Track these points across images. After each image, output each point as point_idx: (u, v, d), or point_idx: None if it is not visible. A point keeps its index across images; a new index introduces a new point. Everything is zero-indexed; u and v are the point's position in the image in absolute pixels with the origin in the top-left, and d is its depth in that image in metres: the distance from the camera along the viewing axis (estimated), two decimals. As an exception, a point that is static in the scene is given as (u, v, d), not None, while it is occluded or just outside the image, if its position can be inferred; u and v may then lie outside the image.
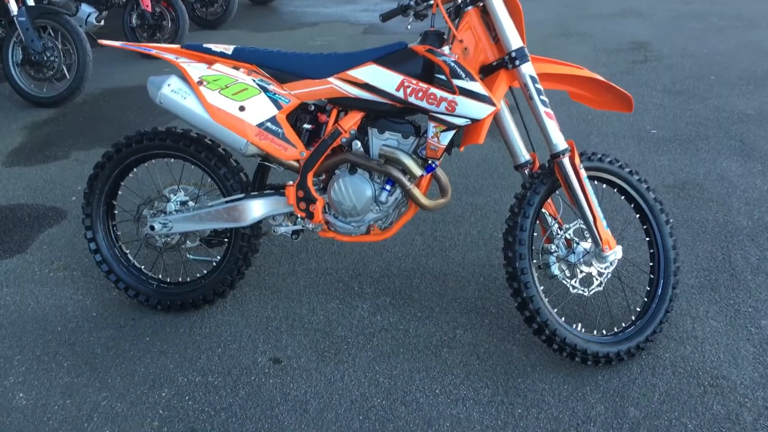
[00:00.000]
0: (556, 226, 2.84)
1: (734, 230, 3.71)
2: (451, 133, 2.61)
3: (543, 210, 2.83)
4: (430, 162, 2.71)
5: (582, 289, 2.79)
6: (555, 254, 2.79)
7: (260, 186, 2.95)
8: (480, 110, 2.54)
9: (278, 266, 3.46)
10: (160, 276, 3.17)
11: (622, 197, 2.93)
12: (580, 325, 2.76)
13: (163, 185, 3.08)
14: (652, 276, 2.91)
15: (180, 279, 3.16)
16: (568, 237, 2.82)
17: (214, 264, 3.05)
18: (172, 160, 2.99)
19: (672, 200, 4.06)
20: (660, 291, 2.86)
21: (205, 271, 3.09)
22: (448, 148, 2.69)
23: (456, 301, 3.18)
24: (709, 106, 5.58)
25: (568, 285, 2.78)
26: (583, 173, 2.66)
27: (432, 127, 2.62)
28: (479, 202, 4.11)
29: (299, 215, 2.84)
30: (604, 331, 2.80)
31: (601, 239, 2.68)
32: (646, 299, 2.88)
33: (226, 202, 2.88)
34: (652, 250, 2.92)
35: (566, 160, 2.65)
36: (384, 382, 2.70)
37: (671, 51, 7.30)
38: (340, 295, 3.23)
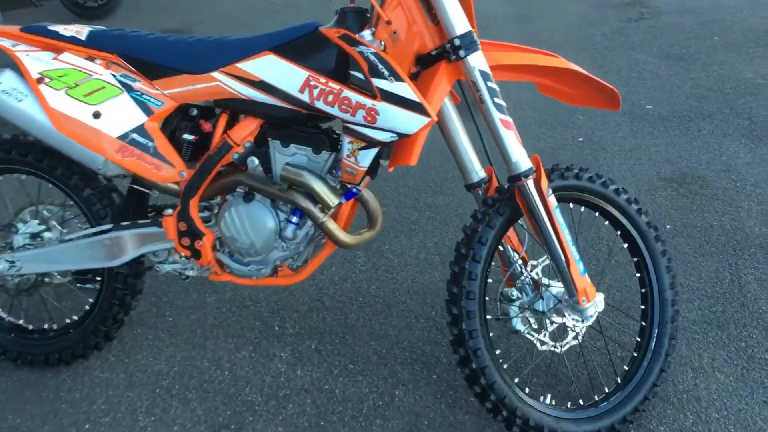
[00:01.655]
0: (520, 263, 2.17)
1: (744, 240, 3.06)
2: (372, 153, 1.92)
3: (502, 242, 2.16)
4: (349, 186, 2.02)
5: (553, 344, 2.14)
6: (518, 302, 2.13)
7: (137, 211, 2.26)
8: (409, 122, 1.85)
9: (184, 296, 2.80)
10: (21, 322, 2.50)
11: (606, 222, 2.26)
12: (549, 396, 2.12)
13: (16, 208, 2.39)
14: (643, 323, 2.26)
15: (45, 326, 2.49)
16: (536, 277, 2.16)
17: (87, 309, 2.38)
18: (23, 176, 2.30)
19: (669, 199, 3.39)
20: (653, 343, 2.22)
21: (76, 318, 2.43)
22: (371, 170, 2.00)
23: (399, 345, 2.53)
24: (712, 75, 4.87)
25: (534, 340, 2.13)
26: (553, 202, 1.99)
27: (348, 144, 1.93)
28: (439, 202, 3.43)
29: (183, 254, 2.16)
30: (581, 401, 2.16)
31: (576, 289, 2.02)
32: (635, 354, 2.24)
33: (88, 235, 2.20)
34: (644, 290, 2.27)
35: (529, 184, 1.97)
36: (293, 474, 2.07)
37: (669, 6, 6.53)
38: (256, 338, 2.58)
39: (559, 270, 2.03)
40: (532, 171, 1.98)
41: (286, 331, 2.62)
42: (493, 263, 2.08)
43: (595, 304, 2.06)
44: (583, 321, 2.08)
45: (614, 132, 4.12)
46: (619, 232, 2.26)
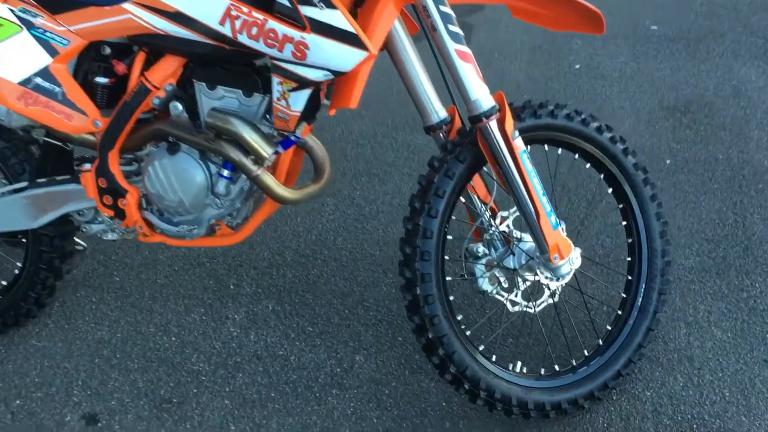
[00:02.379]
0: (488, 214, 1.92)
1: (752, 174, 2.77)
2: (305, 95, 1.65)
3: (467, 192, 1.90)
4: (287, 134, 1.76)
5: (526, 304, 1.90)
6: (484, 258, 1.88)
7: (59, 166, 2.01)
8: (344, 58, 1.57)
9: (135, 253, 2.58)
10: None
11: (588, 164, 1.99)
12: (520, 364, 1.89)
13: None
14: (629, 278, 2.01)
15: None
16: (506, 230, 1.90)
17: (15, 273, 2.17)
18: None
19: (671, 130, 3.09)
20: (640, 300, 1.97)
21: (5, 283, 2.21)
22: (309, 114, 1.73)
23: (363, 304, 2.30)
24: (725, -10, 4.46)
25: (504, 301, 1.89)
26: (519, 145, 1.71)
27: (277, 85, 1.65)
28: (419, 141, 3.15)
29: (105, 214, 1.92)
30: (557, 367, 1.93)
31: (547, 245, 1.76)
32: (620, 312, 1.99)
33: (3, 194, 1.96)
34: (630, 240, 2.01)
35: (492, 126, 1.70)
36: (236, 454, 1.88)
37: None
38: (209, 300, 2.36)
39: (528, 224, 1.77)
40: (494, 110, 1.70)
41: (242, 290, 2.40)
42: (454, 217, 1.82)
43: (570, 261, 1.81)
44: (557, 279, 1.83)
45: (614, 57, 3.78)
46: (602, 176, 1.99)
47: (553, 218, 1.76)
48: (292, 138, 1.76)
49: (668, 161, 2.89)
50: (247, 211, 1.94)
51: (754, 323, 2.14)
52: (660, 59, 3.73)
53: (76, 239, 2.18)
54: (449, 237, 1.80)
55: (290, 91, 1.64)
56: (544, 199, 1.75)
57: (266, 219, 2.62)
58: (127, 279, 2.46)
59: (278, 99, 1.66)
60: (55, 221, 2.00)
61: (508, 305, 1.90)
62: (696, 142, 3.01)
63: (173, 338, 2.22)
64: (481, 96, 1.69)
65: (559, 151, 1.95)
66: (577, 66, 3.73)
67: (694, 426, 1.86)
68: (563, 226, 1.90)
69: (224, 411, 1.98)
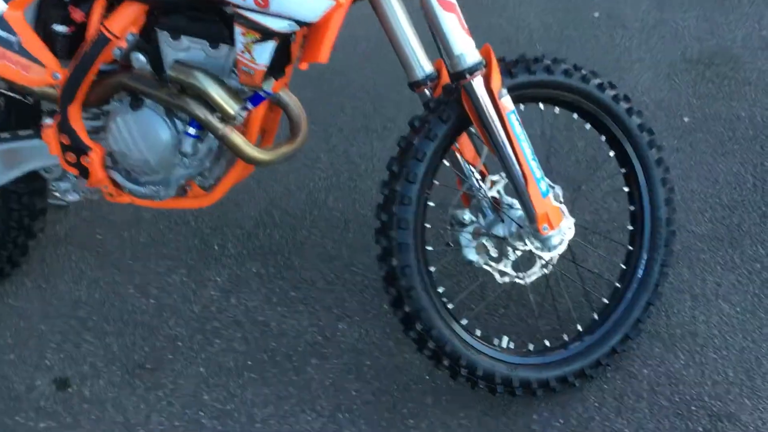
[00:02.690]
0: (477, 177, 1.78)
1: (776, 135, 2.58)
2: (269, 47, 1.51)
3: (454, 153, 1.76)
4: (256, 90, 1.63)
5: (516, 275, 1.78)
6: (472, 226, 1.75)
7: (24, 120, 1.90)
8: (309, 6, 1.43)
9: (120, 210, 2.48)
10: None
11: (587, 125, 1.83)
12: (506, 339, 1.77)
13: None
14: (630, 248, 1.87)
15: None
16: (497, 195, 1.77)
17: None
18: None
19: (692, 85, 2.89)
20: (641, 272, 1.84)
21: (-22, 241, 2.14)
22: (277, 68, 1.59)
23: (351, 269, 2.20)
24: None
25: (492, 271, 1.76)
26: (507, 105, 1.56)
27: (240, 36, 1.51)
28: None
29: (69, 172, 1.81)
30: (547, 343, 1.81)
31: (536, 214, 1.62)
32: (618, 285, 1.86)
33: (-35, 151, 1.87)
34: (633, 207, 1.86)
35: (477, 83, 1.55)
36: (208, 426, 1.80)
37: None
38: (191, 260, 2.27)
39: (515, 190, 1.63)
40: (480, 66, 1.55)
41: (227, 251, 2.30)
42: (437, 182, 1.69)
43: (561, 231, 1.67)
44: (548, 251, 1.69)
45: (636, 5, 3.53)
46: (604, 138, 1.83)
47: (543, 185, 1.62)
48: (262, 94, 1.63)
49: (686, 119, 2.70)
50: (220, 171, 1.82)
51: (766, 297, 1.99)
52: (686, 8, 3.48)
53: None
54: (431, 203, 1.67)
55: (254, 42, 1.50)
56: (534, 164, 1.60)
57: (252, 176, 2.53)
58: (109, 237, 2.37)
59: (242, 51, 1.52)
60: (23, 178, 1.90)
61: (497, 276, 1.78)
62: (718, 98, 2.81)
63: (152, 300, 2.14)
64: (465, 50, 1.54)
65: (557, 110, 1.79)
66: (596, 14, 3.50)
67: (693, 408, 1.74)
68: (559, 192, 1.76)
69: (198, 379, 1.90)
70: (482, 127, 1.59)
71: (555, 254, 1.72)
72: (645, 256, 1.83)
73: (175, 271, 2.23)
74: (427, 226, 1.67)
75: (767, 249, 2.13)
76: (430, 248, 1.68)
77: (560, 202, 1.73)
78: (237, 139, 1.66)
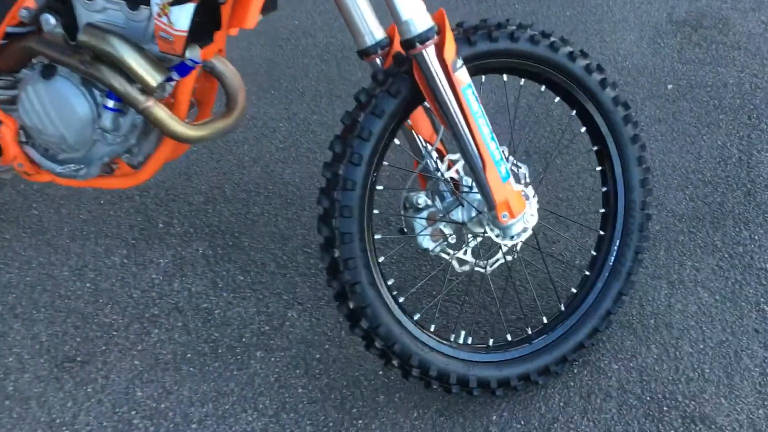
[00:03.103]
0: (435, 157, 1.61)
1: (765, 104, 2.41)
2: (188, 9, 1.32)
3: (408, 131, 1.59)
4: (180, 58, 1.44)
5: (476, 262, 1.62)
6: (427, 211, 1.58)
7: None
8: (229, -36, 1.23)
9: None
10: None
11: (557, 98, 1.66)
12: (464, 334, 1.62)
13: None
14: (602, 233, 1.71)
15: None
16: (456, 176, 1.60)
17: None
18: None
19: (677, 49, 2.71)
20: (613, 259, 1.69)
21: None
22: (199, 34, 1.40)
23: (305, 250, 2.04)
24: None
25: (451, 259, 1.61)
26: (462, 78, 1.39)
27: (156, -3, 1.32)
28: (390, 57, 2.79)
29: (-20, 149, 1.63)
30: (509, 337, 1.67)
31: (494, 200, 1.46)
32: (588, 273, 1.71)
33: None
34: (605, 188, 1.70)
35: (429, 53, 1.37)
36: (139, 426, 1.65)
37: None
38: (133, 240, 2.10)
39: (473, 174, 1.47)
40: (432, 33, 1.37)
41: (172, 229, 2.13)
42: (387, 163, 1.52)
43: (524, 219, 1.51)
44: (509, 239, 1.53)
45: (623, -39, 3.33)
46: (574, 112, 1.66)
47: (503, 168, 1.45)
48: (188, 63, 1.45)
49: (670, 86, 2.53)
50: (150, 148, 1.64)
51: (748, 284, 1.85)
52: (675, -36, 3.28)
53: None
54: (379, 187, 1.50)
55: (171, 4, 1.31)
56: (493, 146, 1.43)
57: (205, 146, 2.36)
58: (46, 212, 2.20)
59: (158, 15, 1.33)
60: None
61: (455, 264, 1.62)
62: (705, 63, 2.63)
63: (88, 284, 1.98)
64: (415, 15, 1.35)
65: (522, 81, 1.62)
66: (580, -29, 3.29)
67: (665, 409, 1.61)
68: (525, 171, 1.60)
69: (132, 373, 1.75)
70: (435, 104, 1.41)
71: (518, 242, 1.56)
72: (617, 242, 1.68)
73: (115, 252, 2.07)
74: (376, 212, 1.51)
75: (751, 230, 1.98)
76: (378, 236, 1.51)
77: (526, 184, 1.57)
78: (161, 113, 1.48)
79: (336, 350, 1.77)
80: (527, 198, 1.54)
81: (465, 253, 1.61)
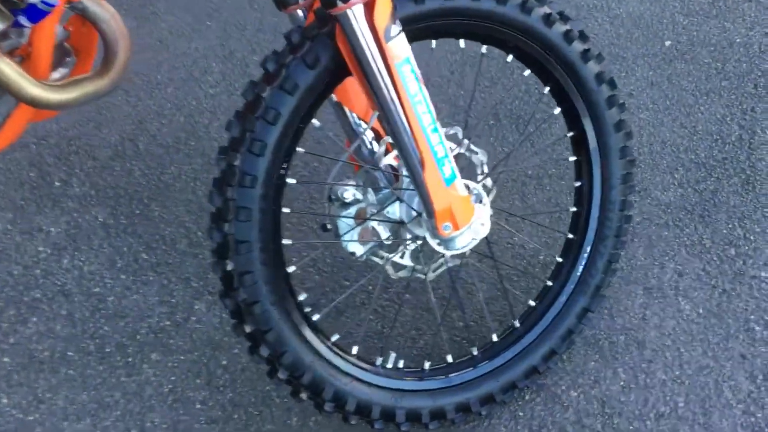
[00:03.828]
0: (370, 137, 1.29)
1: (775, 70, 2.09)
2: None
3: (340, 106, 1.26)
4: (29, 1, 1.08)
5: (415, 268, 1.32)
6: (355, 207, 1.27)
7: None
8: None
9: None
10: None
11: (527, 71, 1.32)
12: (393, 356, 1.34)
13: None
14: (571, 236, 1.41)
15: None
16: (395, 163, 1.28)
17: None
18: None
19: (677, 6, 2.35)
20: (581, 269, 1.39)
21: None
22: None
23: (223, 224, 1.72)
24: None
25: (384, 264, 1.31)
26: (397, 51, 1.05)
27: None
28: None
29: None
30: (449, 359, 1.38)
31: (433, 207, 1.15)
32: (550, 284, 1.42)
33: None
34: (579, 183, 1.39)
35: (356, 14, 1.03)
36: (-1, 444, 1.38)
37: None
38: (22, 201, 1.79)
39: (410, 174, 1.15)
40: (359, -13, 1.02)
41: (70, 190, 1.80)
42: (302, 150, 1.20)
43: (473, 229, 1.20)
44: (452, 251, 1.23)
45: None
46: (548, 88, 1.33)
47: (448, 168, 1.13)
48: (39, 6, 1.09)
49: (668, 42, 2.19)
50: (6, 109, 1.29)
51: (738, 296, 1.57)
52: None
53: None
54: (291, 181, 1.18)
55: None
56: (435, 139, 1.11)
57: (121, 88, 2.01)
58: (-77, 161, 1.86)
59: (-15, -57, 0.97)
60: None
61: (390, 270, 1.32)
62: (710, 16, 2.28)
63: (-44, 261, 1.66)
64: (336, -38, 1.00)
65: (484, 48, 1.28)
66: None
67: (629, 449, 1.35)
68: (483, 157, 1.29)
69: (0, 373, 1.46)
70: (363, 81, 1.08)
71: (467, 248, 1.26)
72: (588, 248, 1.39)
73: (0, 216, 1.74)
74: (287, 211, 1.19)
75: (746, 228, 1.70)
76: (288, 242, 1.20)
77: (480, 175, 1.26)
78: (6, 69, 1.13)
79: (246, 357, 1.49)
80: (479, 200, 1.23)
81: (402, 256, 1.31)
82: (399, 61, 1.05)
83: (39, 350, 1.50)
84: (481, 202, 1.25)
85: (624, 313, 1.55)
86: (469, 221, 1.18)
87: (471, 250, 1.28)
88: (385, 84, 1.06)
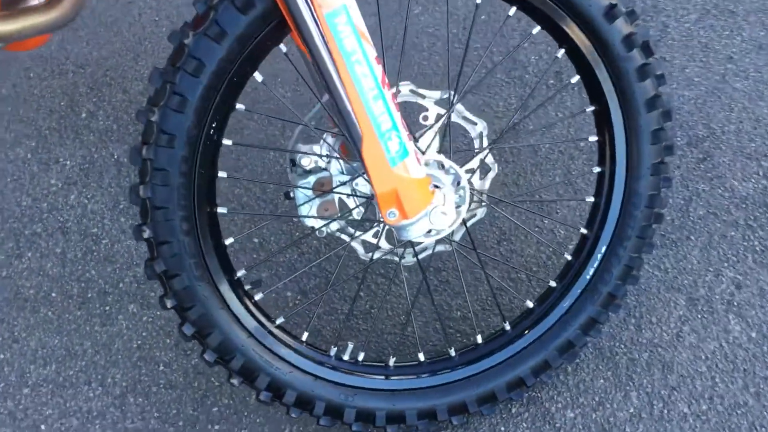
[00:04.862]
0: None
1: None
2: None
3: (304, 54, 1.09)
4: None
5: (391, 249, 1.16)
6: (316, 176, 1.11)
7: None
8: None
9: (-4, 45, 1.95)
10: None
11: (536, 28, 1.09)
12: (351, 347, 1.17)
13: None
14: (585, 231, 1.18)
15: None
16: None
17: None
18: None
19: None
20: (592, 271, 1.16)
21: None
22: None
23: (245, 162, 1.61)
24: None
25: (353, 242, 1.15)
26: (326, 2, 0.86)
27: None
28: None
29: None
30: (421, 356, 1.21)
31: (373, 189, 0.96)
32: (554, 284, 1.20)
33: None
34: (600, 169, 1.15)
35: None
36: (-32, 378, 1.37)
37: None
38: (48, 129, 1.76)
39: (353, 145, 0.96)
40: None
41: (94, 123, 1.75)
42: (243, 107, 1.04)
43: (430, 217, 1.00)
44: (403, 243, 1.05)
45: None
46: (562, 51, 1.09)
47: (395, 144, 0.94)
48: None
49: (664, 96, 1.80)
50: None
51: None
52: None
53: None
54: (227, 142, 1.03)
55: None
56: (377, 107, 0.92)
57: (167, 14, 1.93)
58: (-31, 83, 1.87)
59: None
60: None
61: (359, 249, 1.16)
62: None
63: (-22, 183, 1.66)
64: None
65: (479, 0, 1.05)
66: None
67: (619, 492, 1.14)
68: (483, 131, 1.09)
69: (-16, 307, 1.45)
70: (295, 30, 0.90)
71: (430, 241, 1.07)
72: (603, 248, 1.15)
73: (23, 142, 1.73)
74: (223, 175, 1.05)
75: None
76: (223, 210, 1.07)
77: (477, 149, 1.06)
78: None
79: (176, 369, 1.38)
80: (456, 182, 1.02)
81: (376, 235, 1.14)
82: (329, 10, 0.86)
83: (26, 287, 1.47)
84: (459, 184, 1.05)
85: (655, 325, 1.30)
86: (424, 209, 0.98)
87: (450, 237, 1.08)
88: (315, 37, 0.88)
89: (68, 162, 1.68)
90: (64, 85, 1.84)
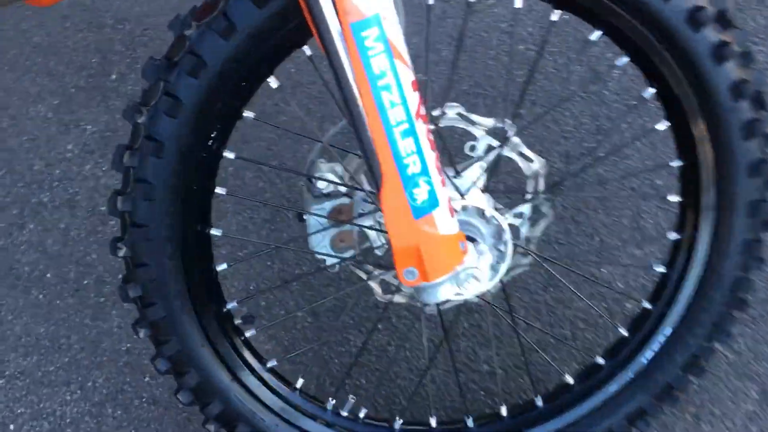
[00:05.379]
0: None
1: None
2: None
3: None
4: None
5: (412, 296, 0.98)
6: (332, 202, 0.93)
7: None
8: None
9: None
10: None
11: (595, 33, 0.88)
12: (351, 402, 1.01)
13: None
14: (648, 306, 0.97)
15: None
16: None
17: None
18: None
19: None
20: (651, 354, 0.96)
21: None
22: None
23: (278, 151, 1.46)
24: None
25: (371, 282, 0.98)
26: (358, 5, 0.67)
27: None
28: None
29: None
30: (433, 422, 1.03)
31: (390, 241, 0.78)
32: (601, 361, 1.00)
33: None
34: (678, 236, 0.94)
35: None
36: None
37: None
38: (74, 87, 1.64)
39: (372, 178, 0.78)
40: None
41: (123, 86, 1.62)
42: (252, 115, 0.87)
43: (458, 281, 0.81)
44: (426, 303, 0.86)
45: None
46: (653, 90, 0.88)
47: (423, 192, 0.75)
48: None
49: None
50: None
51: None
52: None
53: None
54: (229, 155, 0.86)
55: None
56: (405, 145, 0.73)
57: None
58: (3, 29, 1.75)
59: None
60: None
61: (377, 290, 0.98)
62: None
63: (-4, 140, 1.55)
64: None
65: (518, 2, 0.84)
66: None
67: None
68: (538, 168, 0.89)
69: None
70: (317, 36, 0.72)
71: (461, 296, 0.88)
72: (667, 331, 0.95)
73: (46, 100, 1.61)
74: (221, 191, 0.89)
75: None
76: (217, 233, 0.90)
77: (530, 193, 0.87)
78: None
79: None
80: (498, 236, 0.84)
81: (395, 274, 0.96)
82: (356, 19, 0.67)
83: (21, 264, 1.35)
84: (500, 238, 0.86)
85: (718, 419, 1.09)
86: (450, 272, 0.79)
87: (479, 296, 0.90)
88: (339, 50, 0.70)
89: (89, 127, 1.55)
90: (99, 41, 1.70)
